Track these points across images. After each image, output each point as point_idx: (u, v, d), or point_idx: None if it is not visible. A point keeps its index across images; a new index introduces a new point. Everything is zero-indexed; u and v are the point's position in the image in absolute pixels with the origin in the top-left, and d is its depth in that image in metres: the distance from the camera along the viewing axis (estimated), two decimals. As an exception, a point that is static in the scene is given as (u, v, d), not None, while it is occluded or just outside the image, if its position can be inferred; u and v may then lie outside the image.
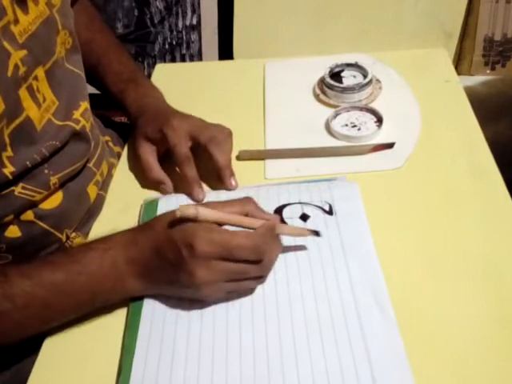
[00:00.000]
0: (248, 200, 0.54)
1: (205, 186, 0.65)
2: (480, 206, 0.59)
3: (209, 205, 0.52)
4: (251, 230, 0.51)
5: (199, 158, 0.65)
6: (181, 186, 0.64)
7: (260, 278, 0.52)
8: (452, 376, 0.46)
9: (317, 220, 0.59)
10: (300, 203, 0.61)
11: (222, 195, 0.63)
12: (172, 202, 0.62)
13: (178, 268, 0.49)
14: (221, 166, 0.63)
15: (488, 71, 1.32)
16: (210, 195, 0.63)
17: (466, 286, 0.52)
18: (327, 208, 0.60)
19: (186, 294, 0.52)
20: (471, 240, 0.56)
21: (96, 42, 0.76)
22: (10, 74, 0.51)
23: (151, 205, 0.63)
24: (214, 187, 0.65)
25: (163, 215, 0.53)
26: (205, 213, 0.49)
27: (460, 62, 1.29)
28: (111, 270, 0.50)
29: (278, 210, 0.60)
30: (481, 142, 0.66)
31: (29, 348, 0.54)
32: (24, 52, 0.53)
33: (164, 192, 0.65)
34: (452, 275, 0.53)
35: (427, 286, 0.53)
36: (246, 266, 0.50)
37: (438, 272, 0.54)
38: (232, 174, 0.63)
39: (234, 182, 0.63)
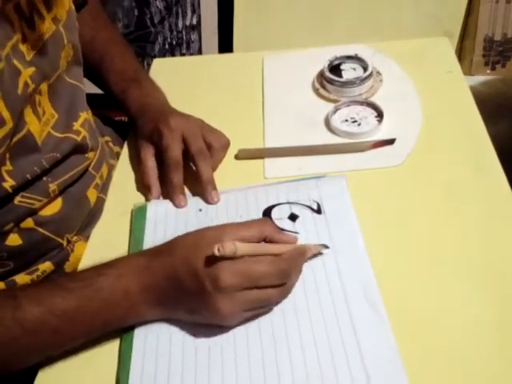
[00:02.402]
0: (265, 221, 0.54)
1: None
2: (482, 204, 0.58)
3: (225, 228, 0.50)
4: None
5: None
6: (165, 189, 0.64)
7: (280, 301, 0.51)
8: (446, 373, 0.46)
9: (306, 220, 0.58)
10: (288, 203, 0.60)
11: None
12: (161, 209, 0.62)
13: (200, 299, 0.47)
14: (204, 180, 0.62)
15: (488, 71, 1.33)
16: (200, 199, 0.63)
17: (466, 284, 0.52)
18: (315, 207, 0.59)
19: (203, 321, 0.50)
20: (473, 238, 0.55)
21: (99, 40, 0.75)
22: (20, 91, 0.51)
23: (141, 211, 0.62)
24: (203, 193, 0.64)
25: (180, 240, 0.51)
26: (242, 249, 0.47)
27: (460, 62, 1.29)
28: (124, 298, 0.48)
29: (267, 211, 0.60)
30: (483, 137, 0.66)
31: (23, 378, 0.52)
32: (32, 69, 0.53)
33: (149, 198, 0.64)
34: (453, 273, 0.53)
35: (426, 285, 0.52)
36: (268, 294, 0.49)
37: (438, 270, 0.53)
38: (214, 189, 0.62)
39: (215, 198, 0.62)
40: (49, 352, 0.50)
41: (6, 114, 0.49)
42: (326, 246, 0.55)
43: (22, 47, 0.52)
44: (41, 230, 0.59)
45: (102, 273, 0.49)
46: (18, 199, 0.55)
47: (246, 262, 0.48)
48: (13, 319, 0.46)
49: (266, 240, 0.51)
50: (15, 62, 0.51)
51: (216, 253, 0.46)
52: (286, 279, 0.49)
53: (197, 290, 0.47)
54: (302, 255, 0.52)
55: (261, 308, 0.50)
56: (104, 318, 0.49)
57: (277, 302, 0.51)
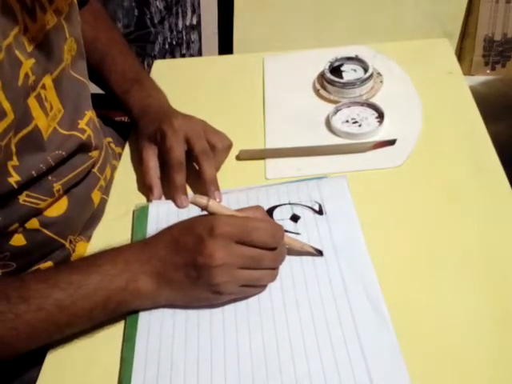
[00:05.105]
0: (257, 208, 0.55)
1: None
2: (483, 204, 0.59)
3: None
4: None
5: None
6: (168, 189, 0.64)
7: (272, 271, 0.52)
8: (448, 373, 0.46)
9: (307, 220, 0.59)
10: (290, 204, 0.60)
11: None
12: (163, 209, 0.62)
13: (196, 252, 0.49)
14: (207, 180, 0.63)
15: (488, 71, 1.32)
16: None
17: (467, 284, 0.52)
18: (317, 208, 0.60)
19: (198, 292, 0.51)
20: (474, 238, 0.56)
21: (100, 41, 0.75)
22: (20, 83, 0.51)
23: (142, 211, 0.62)
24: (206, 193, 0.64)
25: (177, 222, 0.53)
26: (215, 205, 0.51)
27: (460, 62, 1.29)
28: (124, 268, 0.50)
29: (269, 212, 0.60)
30: (483, 137, 0.66)
31: (32, 361, 0.53)
32: (32, 61, 0.53)
33: (150, 199, 0.64)
34: (454, 273, 0.53)
35: (427, 285, 0.52)
36: (261, 252, 0.50)
37: (439, 270, 0.53)
38: (216, 189, 0.63)
39: (218, 198, 0.62)
40: (52, 331, 0.50)
41: (7, 106, 0.49)
42: (320, 252, 0.55)
43: (24, 38, 0.52)
44: (45, 231, 0.59)
45: (106, 250, 0.52)
46: (22, 198, 0.55)
47: (239, 217, 0.51)
48: (19, 297, 0.48)
49: None
50: (17, 52, 0.50)
51: (190, 200, 0.51)
52: (276, 240, 0.51)
53: (193, 242, 0.49)
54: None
55: (254, 269, 0.51)
56: (105, 292, 0.50)
57: (268, 267, 0.52)
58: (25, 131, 0.53)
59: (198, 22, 1.44)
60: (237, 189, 0.64)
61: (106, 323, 0.52)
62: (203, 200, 0.50)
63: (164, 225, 0.58)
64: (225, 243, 0.49)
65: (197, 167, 0.64)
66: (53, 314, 0.49)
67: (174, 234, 0.52)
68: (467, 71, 1.30)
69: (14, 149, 0.52)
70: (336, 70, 0.76)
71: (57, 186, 0.59)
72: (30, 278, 0.50)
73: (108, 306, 0.50)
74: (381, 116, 0.70)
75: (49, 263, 0.62)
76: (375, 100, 0.72)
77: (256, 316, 0.51)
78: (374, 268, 0.53)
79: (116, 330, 0.52)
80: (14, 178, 0.53)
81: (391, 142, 0.67)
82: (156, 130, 0.65)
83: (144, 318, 0.52)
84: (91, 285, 0.49)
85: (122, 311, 0.52)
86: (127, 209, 0.64)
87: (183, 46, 1.49)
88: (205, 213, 0.60)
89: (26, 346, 0.50)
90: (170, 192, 0.63)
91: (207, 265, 0.48)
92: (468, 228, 0.57)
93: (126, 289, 0.50)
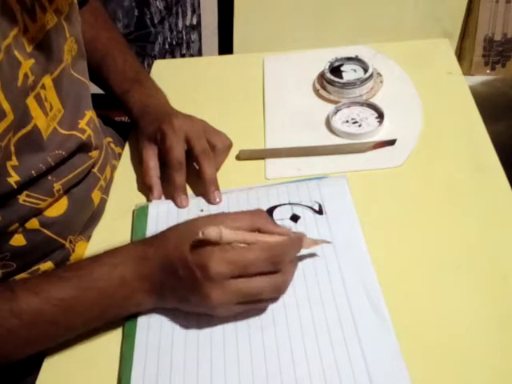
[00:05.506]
0: (259, 213, 0.53)
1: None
2: (483, 204, 0.59)
3: (217, 217, 0.51)
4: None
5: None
6: (168, 189, 0.64)
7: (273, 300, 0.51)
8: (448, 374, 0.46)
9: (307, 220, 0.58)
10: (290, 204, 0.60)
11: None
12: (163, 208, 0.62)
13: (191, 288, 0.48)
14: (207, 180, 0.62)
15: (488, 71, 1.33)
16: (202, 200, 0.63)
17: (468, 285, 0.52)
18: (317, 208, 0.60)
19: (196, 311, 0.50)
20: (474, 238, 0.56)
21: (100, 40, 0.75)
22: (19, 83, 0.51)
23: (142, 211, 0.63)
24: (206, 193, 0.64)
25: (173, 228, 0.51)
26: (228, 235, 0.47)
27: (460, 62, 1.29)
28: (120, 286, 0.49)
29: (269, 212, 0.60)
30: (483, 137, 0.66)
31: (29, 366, 0.53)
32: (32, 61, 0.53)
33: (150, 198, 0.64)
34: (454, 274, 0.53)
35: (427, 286, 0.52)
36: (259, 284, 0.48)
37: (439, 271, 0.53)
38: (216, 189, 0.63)
39: (218, 198, 0.62)
40: (47, 343, 0.50)
41: (6, 106, 0.49)
42: (327, 242, 0.54)
43: (23, 38, 0.52)
44: (45, 231, 0.59)
45: (100, 262, 0.50)
46: (22, 198, 0.55)
47: (235, 250, 0.47)
48: (10, 311, 0.47)
49: (259, 231, 0.51)
50: (16, 53, 0.50)
51: (200, 235, 0.46)
52: (277, 266, 0.48)
53: (188, 277, 0.47)
54: (294, 244, 0.51)
55: (253, 303, 0.49)
56: (101, 307, 0.49)
57: (269, 298, 0.50)
58: (24, 131, 0.53)
59: (198, 22, 1.45)
60: (237, 189, 0.64)
61: (103, 326, 0.52)
62: (214, 233, 0.46)
63: (164, 225, 0.58)
64: (220, 282, 0.47)
65: (197, 167, 0.64)
66: (46, 327, 0.48)
67: (169, 256, 0.49)
68: (467, 71, 1.31)
69: (13, 149, 0.52)
70: (336, 70, 0.76)
71: (57, 186, 0.59)
72: (21, 288, 0.48)
73: (105, 317, 0.50)
74: (381, 116, 0.70)
75: (49, 263, 0.62)
76: (375, 100, 0.72)
77: (256, 317, 0.51)
78: (374, 268, 0.53)
79: (116, 328, 0.52)
80: (13, 178, 0.53)
81: (391, 142, 0.67)
82: (156, 129, 0.65)
83: (144, 315, 0.52)
84: (86, 302, 0.48)
85: (120, 318, 0.52)
86: (127, 209, 0.64)
87: (183, 45, 1.49)
88: (204, 213, 0.61)
89: (21, 356, 0.50)
90: (170, 192, 0.63)
91: (203, 303, 0.48)
92: (468, 228, 0.57)
93: (123, 305, 0.50)
